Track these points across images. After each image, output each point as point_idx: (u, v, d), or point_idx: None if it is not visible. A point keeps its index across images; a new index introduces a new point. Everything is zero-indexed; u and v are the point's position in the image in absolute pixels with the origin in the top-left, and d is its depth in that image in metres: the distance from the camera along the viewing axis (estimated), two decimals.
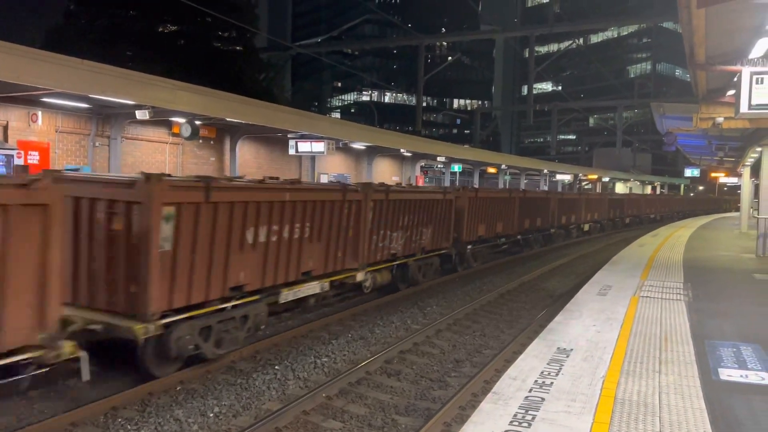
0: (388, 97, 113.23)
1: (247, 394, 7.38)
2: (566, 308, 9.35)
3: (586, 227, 31.88)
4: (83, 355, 6.18)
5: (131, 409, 6.81)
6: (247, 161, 21.63)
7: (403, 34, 69.79)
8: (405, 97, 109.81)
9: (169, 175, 7.52)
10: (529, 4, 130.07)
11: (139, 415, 6.67)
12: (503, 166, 39.86)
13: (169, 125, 17.57)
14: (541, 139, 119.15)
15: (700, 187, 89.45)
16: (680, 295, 10.69)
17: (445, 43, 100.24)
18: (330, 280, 10.62)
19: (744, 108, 9.09)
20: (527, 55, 44.73)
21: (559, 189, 51.02)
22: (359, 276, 11.46)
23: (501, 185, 42.47)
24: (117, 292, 7.16)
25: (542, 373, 6.08)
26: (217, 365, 8.25)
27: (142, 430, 6.31)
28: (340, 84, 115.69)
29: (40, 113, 14.37)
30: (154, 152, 17.78)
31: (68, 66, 11.30)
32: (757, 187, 23.00)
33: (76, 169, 14.33)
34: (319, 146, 20.33)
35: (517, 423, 4.80)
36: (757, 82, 8.97)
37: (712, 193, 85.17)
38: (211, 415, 6.76)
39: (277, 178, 9.97)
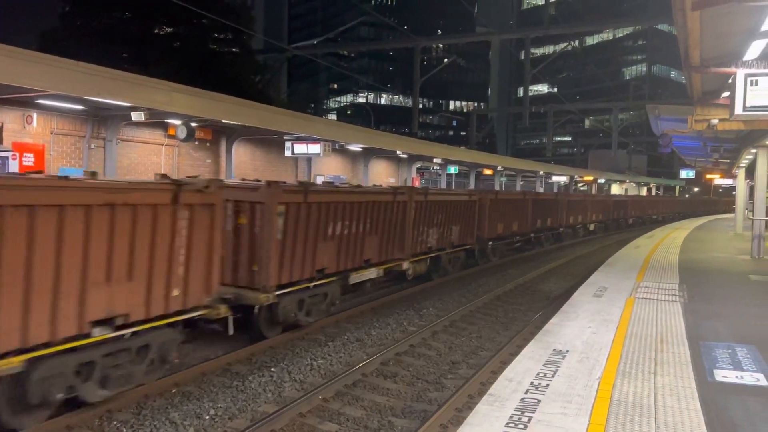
0: (384, 99, 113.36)
1: (243, 397, 7.37)
2: (562, 310, 9.36)
3: (592, 227, 33.70)
4: (231, 315, 8.10)
5: (126, 412, 6.79)
6: (243, 163, 21.61)
7: (399, 37, 69.92)
8: (401, 98, 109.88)
9: (281, 182, 9.62)
10: (525, 7, 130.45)
11: (135, 418, 6.65)
12: (499, 168, 39.92)
13: (165, 127, 17.55)
14: (537, 141, 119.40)
15: (696, 189, 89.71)
16: (676, 296, 10.71)
17: (441, 45, 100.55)
18: (384, 267, 12.55)
19: (739, 110, 9.11)
20: (523, 57, 44.84)
21: (555, 190, 51.14)
22: (405, 265, 13.37)
23: (497, 187, 42.54)
24: (241, 271, 9.09)
25: (538, 374, 6.08)
26: (213, 367, 8.24)
27: None
28: (336, 86, 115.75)
29: (35, 115, 14.34)
30: (149, 154, 17.75)
31: (63, 68, 11.27)
32: (752, 189, 23.09)
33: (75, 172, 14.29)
34: (315, 148, 20.33)
35: (513, 425, 4.80)
36: (751, 84, 9.00)
37: (707, 194, 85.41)
38: (207, 417, 6.75)
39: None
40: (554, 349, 7.01)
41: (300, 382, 7.99)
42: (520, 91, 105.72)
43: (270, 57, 49.23)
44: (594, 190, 56.00)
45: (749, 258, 17.29)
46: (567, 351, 6.96)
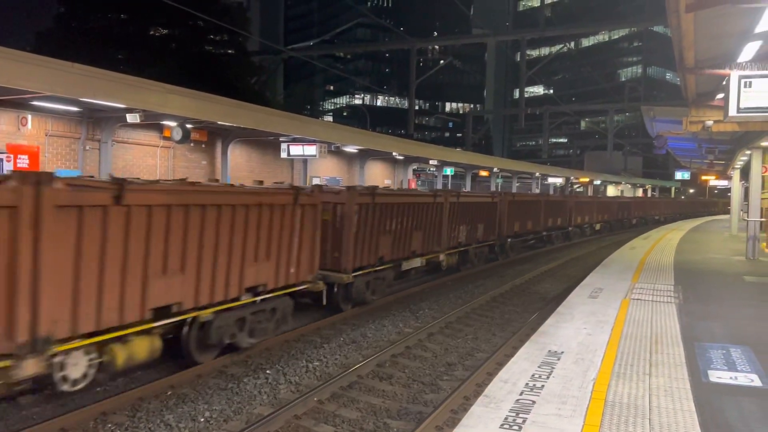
0: (380, 101, 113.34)
1: (239, 399, 7.36)
2: (558, 311, 9.38)
3: (598, 226, 36.30)
4: (324, 289, 10.65)
5: (121, 414, 6.77)
6: (239, 164, 21.59)
7: (395, 38, 69.78)
8: (397, 100, 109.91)
9: (358, 186, 12.29)
10: (521, 8, 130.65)
11: (130, 420, 6.63)
12: (495, 169, 39.95)
13: (160, 129, 17.50)
14: (533, 143, 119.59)
15: (691, 190, 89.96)
16: (671, 297, 10.74)
17: (437, 47, 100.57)
18: (425, 258, 14.81)
19: (733, 111, 9.14)
20: (519, 59, 44.91)
21: (551, 191, 51.27)
22: (441, 257, 15.59)
23: (493, 188, 42.64)
24: (327, 257, 11.20)
25: (533, 375, 6.09)
26: (209, 369, 8.23)
27: None
28: (332, 87, 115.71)
29: (30, 117, 14.29)
30: (145, 156, 17.71)
31: (59, 69, 11.23)
32: (746, 190, 23.16)
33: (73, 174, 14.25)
34: (311, 149, 20.30)
35: (507, 426, 4.81)
36: (745, 86, 9.03)
37: (702, 196, 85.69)
38: (202, 419, 6.73)
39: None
40: (549, 351, 7.02)
41: (295, 384, 7.98)
42: (516, 93, 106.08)
43: (266, 58, 49.21)
44: (590, 192, 56.13)
45: (744, 259, 17.35)
46: (562, 352, 6.97)
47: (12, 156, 13.69)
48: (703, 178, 48.11)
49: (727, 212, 41.70)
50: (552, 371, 6.24)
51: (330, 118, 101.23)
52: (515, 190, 42.99)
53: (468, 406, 6.10)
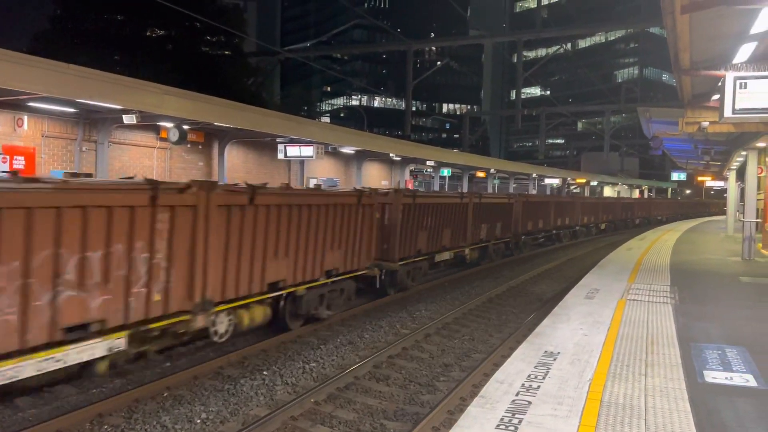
0: (377, 102, 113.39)
1: (235, 400, 7.35)
2: (554, 312, 9.39)
3: (603, 226, 38.44)
4: (379, 274, 12.72)
5: (117, 416, 6.76)
6: (236, 166, 21.58)
7: (392, 39, 69.86)
8: (394, 101, 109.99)
9: (404, 189, 15.38)
10: (518, 10, 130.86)
11: (126, 422, 6.62)
12: (492, 171, 40.01)
13: (156, 130, 17.49)
14: (530, 144, 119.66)
15: (687, 191, 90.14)
16: (667, 298, 10.77)
17: (434, 48, 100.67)
18: (454, 252, 16.82)
19: (728, 112, 9.18)
20: (515, 60, 44.98)
21: (548, 192, 51.38)
22: (466, 251, 17.70)
23: (490, 189, 42.73)
24: (377, 249, 12.77)
25: (529, 376, 6.10)
26: (205, 370, 8.22)
27: None
28: (329, 88, 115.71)
29: (26, 118, 14.26)
30: (141, 157, 17.69)
31: (55, 70, 11.22)
32: (742, 191, 23.23)
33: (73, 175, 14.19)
34: (308, 151, 20.31)
35: (503, 426, 4.82)
36: (740, 87, 9.06)
37: (698, 197, 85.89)
38: (198, 421, 6.72)
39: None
40: (546, 351, 7.03)
41: (292, 386, 7.98)
42: (513, 94, 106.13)
43: (263, 59, 49.16)
44: (587, 193, 56.27)
45: (740, 260, 17.40)
46: (558, 353, 6.98)
47: (8, 157, 13.66)
48: (700, 179, 48.27)
49: (724, 213, 41.83)
50: (548, 372, 6.25)
51: (327, 120, 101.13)
52: (512, 191, 43.50)
53: (464, 407, 6.11)
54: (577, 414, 5.12)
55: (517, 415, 5.05)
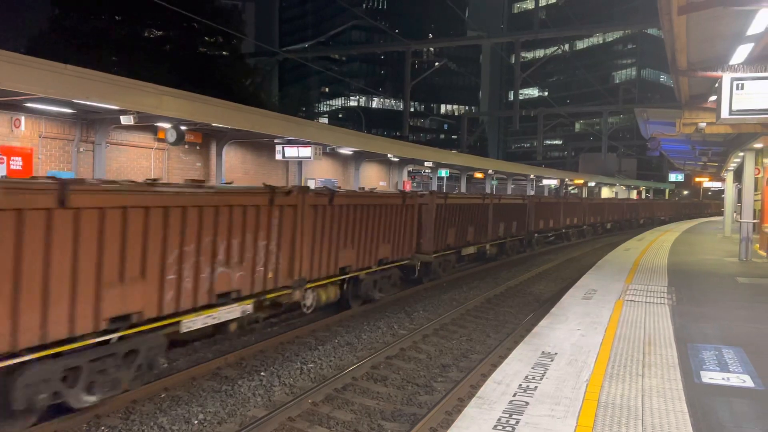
0: (375, 103, 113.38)
1: (233, 401, 7.34)
2: (552, 312, 9.39)
3: (609, 225, 40.40)
4: (419, 264, 14.80)
5: (114, 417, 6.75)
6: (234, 166, 21.56)
7: (390, 40, 69.87)
8: (392, 102, 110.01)
9: (438, 192, 18.00)
10: (515, 11, 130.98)
11: (123, 423, 6.61)
12: (490, 171, 40.04)
13: (154, 130, 17.48)
14: (528, 145, 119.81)
15: (685, 192, 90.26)
16: (664, 298, 10.78)
17: (432, 49, 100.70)
18: (477, 247, 18.78)
19: (725, 114, 9.19)
20: (513, 61, 45.01)
21: (545, 193, 51.44)
22: (487, 246, 19.78)
23: (488, 190, 42.81)
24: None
25: (527, 377, 6.10)
26: (203, 371, 8.22)
27: None
28: (327, 89, 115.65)
29: (23, 118, 14.24)
30: (139, 158, 17.67)
31: (52, 71, 11.21)
32: (740, 192, 23.26)
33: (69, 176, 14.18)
34: (306, 151, 20.32)
35: (501, 427, 4.82)
36: (737, 88, 9.08)
37: (696, 197, 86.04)
38: (196, 422, 6.72)
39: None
40: (543, 352, 7.04)
41: (290, 386, 7.98)
42: (511, 95, 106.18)
43: (261, 60, 49.19)
44: (585, 193, 56.35)
45: (737, 260, 17.42)
46: (556, 353, 6.99)
47: (5, 158, 13.64)
48: (697, 179, 48.38)
49: (721, 214, 41.91)
50: (545, 372, 6.26)
51: (325, 120, 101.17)
52: (510, 192, 43.95)
53: (462, 408, 6.11)
54: (574, 415, 5.13)
55: (514, 416, 5.05)
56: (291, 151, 20.54)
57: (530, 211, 24.23)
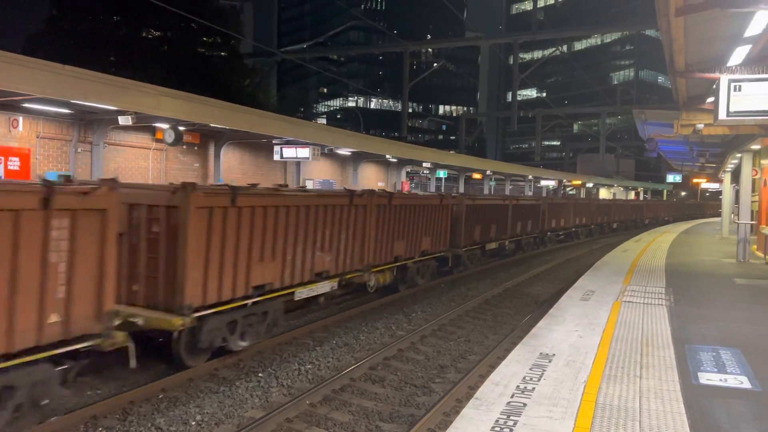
0: (373, 103, 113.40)
1: (230, 402, 7.33)
2: (549, 313, 9.40)
3: (615, 225, 42.32)
4: (451, 257, 16.74)
5: (112, 418, 6.74)
6: (232, 167, 21.55)
7: (389, 41, 69.93)
8: (391, 103, 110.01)
9: (467, 194, 20.18)
10: (514, 12, 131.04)
11: (120, 424, 6.59)
12: (488, 172, 40.07)
13: (152, 131, 17.47)
14: (526, 145, 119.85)
15: (683, 193, 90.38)
16: (662, 299, 10.79)
17: (430, 50, 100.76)
18: (498, 242, 20.50)
19: (723, 115, 9.20)
20: (512, 62, 45.03)
21: (544, 194, 51.50)
22: (507, 243, 21.83)
23: (486, 191, 42.88)
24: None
25: (525, 378, 6.11)
26: (200, 372, 8.21)
27: None
28: (326, 90, 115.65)
29: (21, 119, 14.22)
30: (137, 158, 17.66)
31: (50, 71, 11.19)
32: (737, 193, 23.28)
33: (68, 176, 14.16)
34: (304, 152, 20.32)
35: (498, 428, 4.82)
36: (735, 90, 9.09)
37: (693, 198, 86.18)
38: (193, 423, 6.70)
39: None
40: (541, 353, 7.04)
41: (287, 387, 7.96)
42: (509, 96, 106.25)
43: (259, 61, 49.16)
44: (583, 194, 56.41)
45: (735, 261, 17.45)
46: (554, 355, 6.99)
47: (3, 158, 13.61)
48: (695, 180, 48.44)
49: (719, 215, 42.00)
50: (543, 374, 6.26)
51: (324, 121, 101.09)
52: (508, 193, 44.18)
53: (460, 409, 6.11)
54: (572, 416, 5.13)
55: (512, 417, 5.05)
56: (289, 152, 20.54)
57: (544, 211, 26.22)
